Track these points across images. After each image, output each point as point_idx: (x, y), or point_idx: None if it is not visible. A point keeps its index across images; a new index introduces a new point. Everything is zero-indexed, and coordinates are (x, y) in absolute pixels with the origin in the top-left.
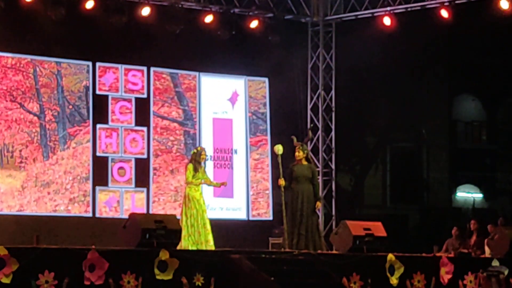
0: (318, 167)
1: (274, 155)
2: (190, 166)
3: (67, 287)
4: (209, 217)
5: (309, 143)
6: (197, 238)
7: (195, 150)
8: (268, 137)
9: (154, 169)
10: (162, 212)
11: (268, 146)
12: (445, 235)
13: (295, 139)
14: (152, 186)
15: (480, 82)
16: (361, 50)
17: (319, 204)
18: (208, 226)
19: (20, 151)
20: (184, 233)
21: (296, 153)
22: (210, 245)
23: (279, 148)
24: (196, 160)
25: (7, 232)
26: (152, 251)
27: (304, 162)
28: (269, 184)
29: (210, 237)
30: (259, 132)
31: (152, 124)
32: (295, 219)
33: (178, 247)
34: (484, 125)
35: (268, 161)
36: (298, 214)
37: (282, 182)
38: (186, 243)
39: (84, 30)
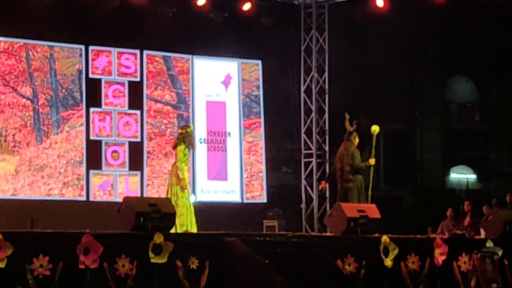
0: (311, 149)
1: (268, 137)
2: (184, 148)
3: (61, 271)
4: (204, 200)
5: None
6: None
7: (188, 130)
8: (262, 120)
9: (148, 152)
10: (156, 196)
11: (262, 129)
12: (439, 216)
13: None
14: (146, 170)
15: (473, 64)
16: (354, 32)
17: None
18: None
19: (14, 135)
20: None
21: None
22: (194, 228)
23: (376, 129)
24: (190, 142)
25: (1, 216)
26: (147, 235)
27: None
28: (263, 167)
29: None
30: (252, 114)
31: (145, 108)
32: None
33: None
34: (477, 106)
35: (261, 143)
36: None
37: (373, 161)
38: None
39: (77, 14)
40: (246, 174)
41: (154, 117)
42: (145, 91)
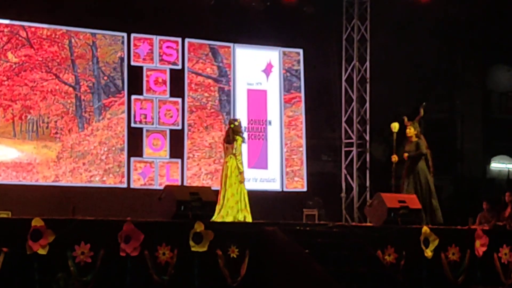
0: (352, 138)
1: (309, 112)
2: (241, 140)
3: (102, 258)
4: None
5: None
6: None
7: (236, 123)
8: (302, 95)
9: (189, 125)
10: (195, 179)
11: (302, 104)
12: (479, 207)
13: (406, 119)
14: (187, 143)
15: None
16: (395, 21)
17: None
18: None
19: (56, 122)
20: (242, 206)
21: (407, 130)
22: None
23: (395, 126)
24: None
25: (43, 202)
26: (187, 223)
27: (414, 139)
28: (302, 141)
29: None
30: (293, 89)
31: (186, 95)
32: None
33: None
34: None
35: (301, 118)
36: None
37: (395, 158)
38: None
39: (119, 1)
40: (286, 149)
41: (195, 90)
42: (186, 80)
